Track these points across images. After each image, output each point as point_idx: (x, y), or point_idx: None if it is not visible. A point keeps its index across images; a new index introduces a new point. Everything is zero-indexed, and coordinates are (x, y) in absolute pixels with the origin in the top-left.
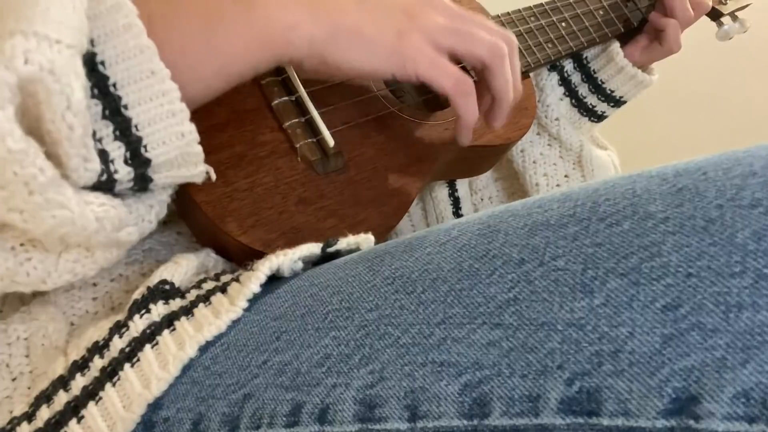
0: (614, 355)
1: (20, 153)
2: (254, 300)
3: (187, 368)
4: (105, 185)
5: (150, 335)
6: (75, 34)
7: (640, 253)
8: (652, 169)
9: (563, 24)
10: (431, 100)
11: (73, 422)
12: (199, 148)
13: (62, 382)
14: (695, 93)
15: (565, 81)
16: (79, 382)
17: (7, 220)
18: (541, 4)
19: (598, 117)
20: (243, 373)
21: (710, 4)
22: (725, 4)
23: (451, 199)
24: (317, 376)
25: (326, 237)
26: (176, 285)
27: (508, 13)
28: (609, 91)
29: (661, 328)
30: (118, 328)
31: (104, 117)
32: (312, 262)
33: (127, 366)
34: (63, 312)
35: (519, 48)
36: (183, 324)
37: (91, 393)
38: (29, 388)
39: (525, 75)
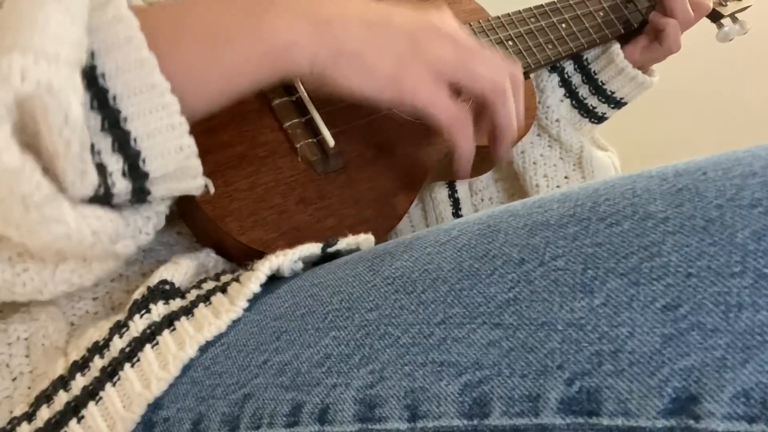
0: (614, 355)
1: (17, 170)
2: (254, 300)
3: (187, 368)
4: (102, 198)
5: (150, 335)
6: (74, 49)
7: (640, 253)
8: (652, 169)
9: (563, 25)
10: None
11: (73, 422)
12: (198, 162)
13: (62, 382)
14: (695, 94)
15: (565, 82)
16: (79, 382)
17: (4, 234)
18: (542, 6)
19: (598, 118)
20: (243, 373)
21: (710, 5)
22: (725, 5)
23: (451, 199)
24: (317, 376)
25: (326, 237)
26: (176, 285)
27: (508, 14)
28: (609, 93)
29: (661, 328)
30: (119, 328)
31: (103, 129)
32: (312, 262)
33: (127, 366)
34: (63, 312)
35: (519, 49)
36: (183, 324)
37: (92, 393)
38: (29, 388)
39: (525, 76)
